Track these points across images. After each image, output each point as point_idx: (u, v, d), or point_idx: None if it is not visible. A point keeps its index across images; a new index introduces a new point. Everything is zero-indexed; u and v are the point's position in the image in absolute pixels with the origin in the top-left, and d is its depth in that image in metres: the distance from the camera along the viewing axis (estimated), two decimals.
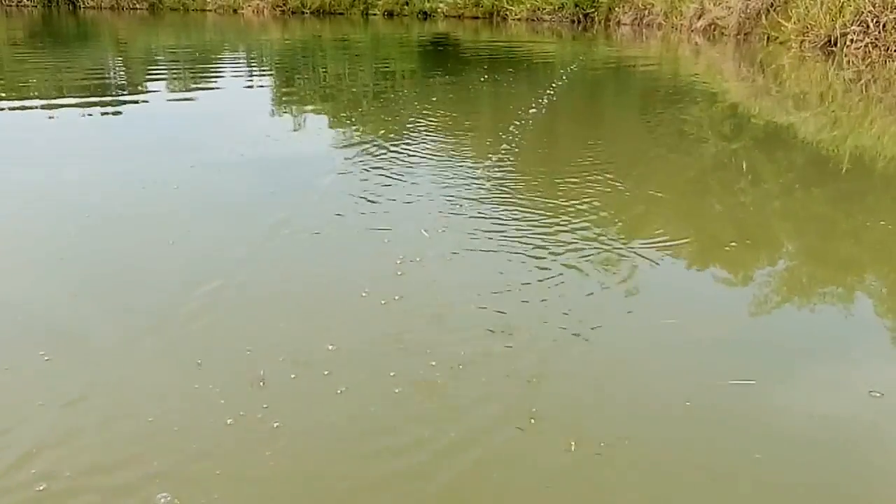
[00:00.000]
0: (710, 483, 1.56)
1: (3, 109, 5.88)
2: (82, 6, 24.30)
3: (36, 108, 5.96)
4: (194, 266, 2.65)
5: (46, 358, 1.99)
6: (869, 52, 9.95)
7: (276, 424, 1.71)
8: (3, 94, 6.56)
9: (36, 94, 6.78)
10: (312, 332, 2.17)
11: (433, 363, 1.98)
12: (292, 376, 1.91)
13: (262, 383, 1.87)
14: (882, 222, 3.22)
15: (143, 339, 2.11)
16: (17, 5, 24.12)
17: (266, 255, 2.75)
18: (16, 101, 6.21)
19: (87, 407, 1.78)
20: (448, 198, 3.47)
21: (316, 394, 1.85)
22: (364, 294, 2.40)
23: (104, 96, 6.56)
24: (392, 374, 1.93)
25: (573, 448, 1.66)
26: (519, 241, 2.94)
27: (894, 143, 5.10)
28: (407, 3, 20.70)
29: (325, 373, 1.93)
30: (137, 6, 24.13)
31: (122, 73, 8.89)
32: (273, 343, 2.09)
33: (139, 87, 7.41)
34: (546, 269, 2.66)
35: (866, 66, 9.04)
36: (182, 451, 1.62)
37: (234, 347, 2.07)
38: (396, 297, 2.37)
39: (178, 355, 2.03)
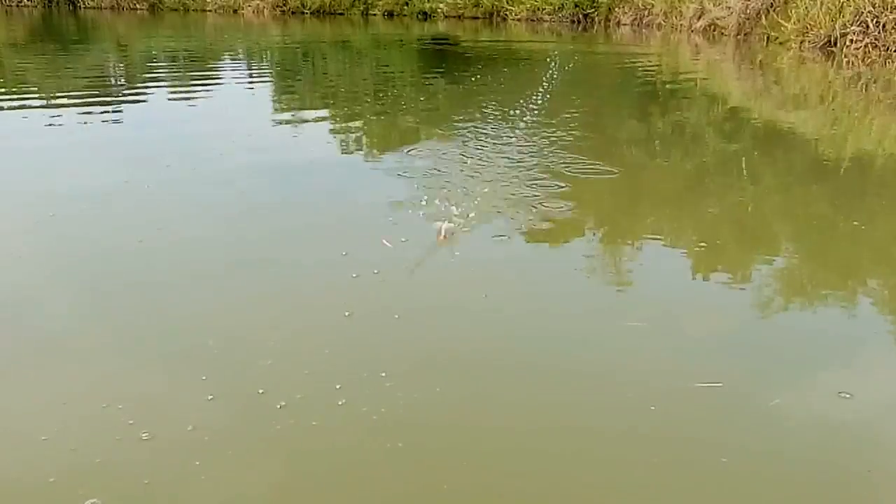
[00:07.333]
0: (675, 487, 1.54)
1: (2, 109, 5.89)
2: (82, 6, 24.32)
3: (36, 107, 5.95)
4: (156, 266, 2.62)
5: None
6: (869, 52, 9.95)
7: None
8: (3, 94, 6.56)
9: (36, 94, 6.78)
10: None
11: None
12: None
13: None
14: (855, 223, 3.20)
15: (133, 336, 2.11)
16: (18, 5, 24.15)
17: (255, 257, 2.76)
18: (16, 102, 6.21)
19: None
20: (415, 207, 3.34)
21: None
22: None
23: (104, 97, 6.57)
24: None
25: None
26: (488, 243, 2.89)
27: (894, 143, 5.10)
28: (407, 4, 20.71)
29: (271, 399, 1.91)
30: (137, 6, 24.14)
31: (121, 74, 8.89)
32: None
33: (139, 88, 7.42)
34: (515, 269, 2.63)
35: (866, 66, 9.04)
36: (111, 461, 1.56)
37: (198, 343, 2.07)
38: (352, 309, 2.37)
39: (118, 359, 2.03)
